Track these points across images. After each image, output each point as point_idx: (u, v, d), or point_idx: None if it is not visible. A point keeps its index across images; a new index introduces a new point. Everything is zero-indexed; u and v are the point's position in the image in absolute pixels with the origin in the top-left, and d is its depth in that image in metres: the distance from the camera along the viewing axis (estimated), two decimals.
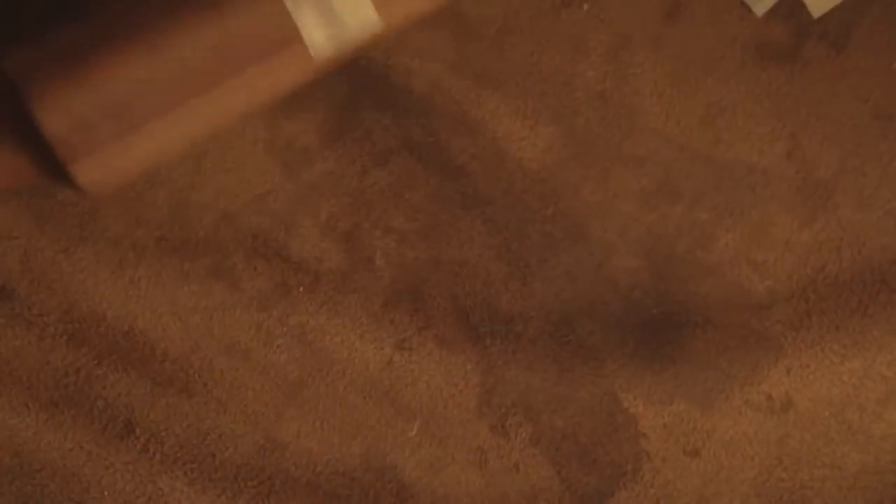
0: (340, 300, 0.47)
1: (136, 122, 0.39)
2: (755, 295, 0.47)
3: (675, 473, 0.46)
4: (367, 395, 0.47)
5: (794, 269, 0.48)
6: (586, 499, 0.46)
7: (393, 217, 0.48)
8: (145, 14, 0.39)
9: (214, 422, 0.46)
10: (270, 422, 0.47)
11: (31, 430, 0.46)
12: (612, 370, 0.47)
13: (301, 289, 0.47)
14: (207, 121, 0.41)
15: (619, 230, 0.47)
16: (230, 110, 0.41)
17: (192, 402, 0.46)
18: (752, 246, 0.48)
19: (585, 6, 0.46)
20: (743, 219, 0.48)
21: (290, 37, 0.39)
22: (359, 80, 0.48)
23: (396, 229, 0.48)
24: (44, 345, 0.46)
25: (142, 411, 0.46)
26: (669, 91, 0.48)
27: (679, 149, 0.48)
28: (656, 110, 0.48)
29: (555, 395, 0.47)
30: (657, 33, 0.47)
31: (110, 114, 0.39)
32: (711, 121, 0.48)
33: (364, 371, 0.47)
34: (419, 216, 0.48)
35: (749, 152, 0.48)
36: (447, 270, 0.47)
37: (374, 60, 0.46)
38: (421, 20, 0.42)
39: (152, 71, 0.39)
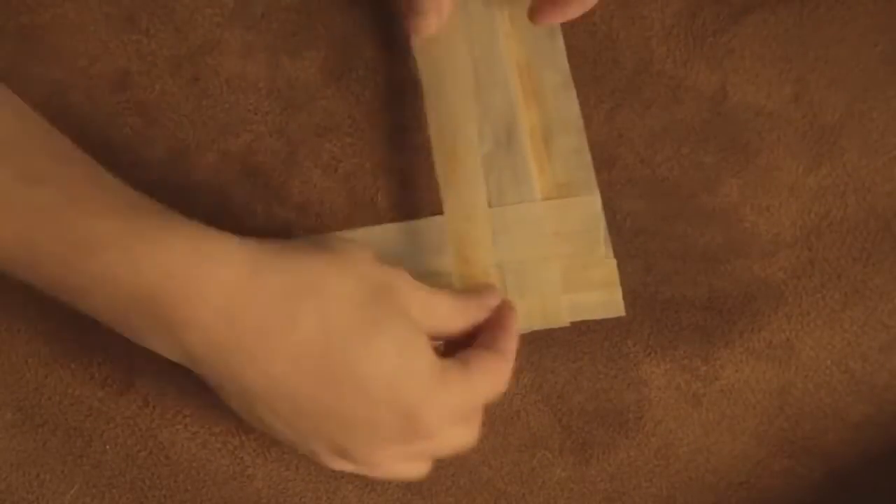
0: None
1: None
2: (759, 241, 0.47)
3: (677, 422, 0.46)
4: None
5: (798, 216, 0.47)
6: (587, 447, 0.46)
7: (395, 158, 0.47)
8: None
9: None
10: None
11: (32, 385, 0.46)
12: (613, 317, 0.47)
13: (302, 232, 0.47)
14: None
15: (625, 171, 0.47)
16: None
17: None
18: (757, 190, 0.47)
19: None
20: (748, 163, 0.47)
21: None
22: (362, 17, 0.47)
23: (399, 170, 0.47)
24: (41, 293, 0.46)
25: (141, 361, 0.46)
26: (676, 32, 0.48)
27: (686, 90, 0.47)
28: (663, 51, 0.47)
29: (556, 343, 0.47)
30: None
31: None
32: (718, 62, 0.47)
33: None
34: (422, 156, 0.47)
35: (756, 95, 0.47)
36: None
37: None
38: None
39: None
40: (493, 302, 0.42)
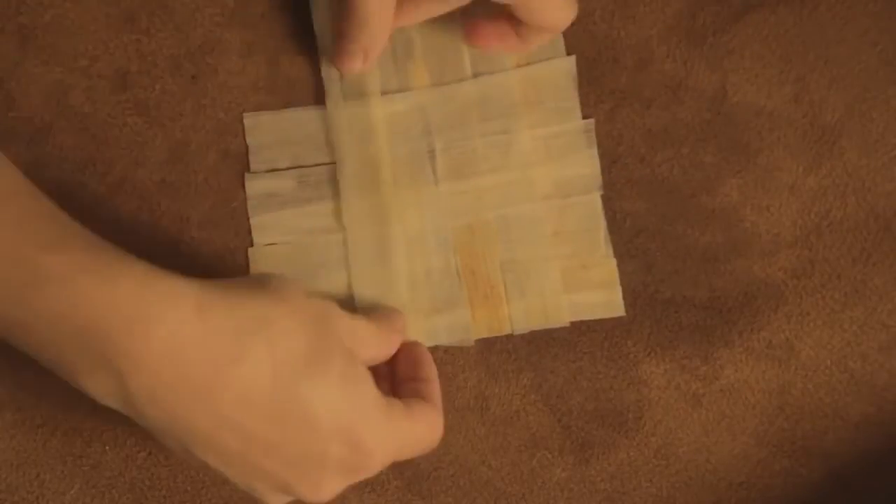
0: None
1: None
2: (759, 241, 0.47)
3: (677, 422, 0.46)
4: None
5: (799, 215, 0.47)
6: (587, 447, 0.46)
7: None
8: None
9: None
10: None
11: (32, 386, 0.46)
12: (613, 317, 0.47)
13: None
14: None
15: (625, 171, 0.47)
16: None
17: None
18: (757, 190, 0.47)
19: None
20: (748, 163, 0.47)
21: None
22: None
23: None
24: None
25: None
26: (676, 32, 0.48)
27: (686, 90, 0.47)
28: (663, 51, 0.47)
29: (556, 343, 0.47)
30: None
31: None
32: (718, 62, 0.47)
33: None
34: None
35: (756, 95, 0.47)
36: None
37: None
38: None
39: None
40: (399, 323, 0.44)
